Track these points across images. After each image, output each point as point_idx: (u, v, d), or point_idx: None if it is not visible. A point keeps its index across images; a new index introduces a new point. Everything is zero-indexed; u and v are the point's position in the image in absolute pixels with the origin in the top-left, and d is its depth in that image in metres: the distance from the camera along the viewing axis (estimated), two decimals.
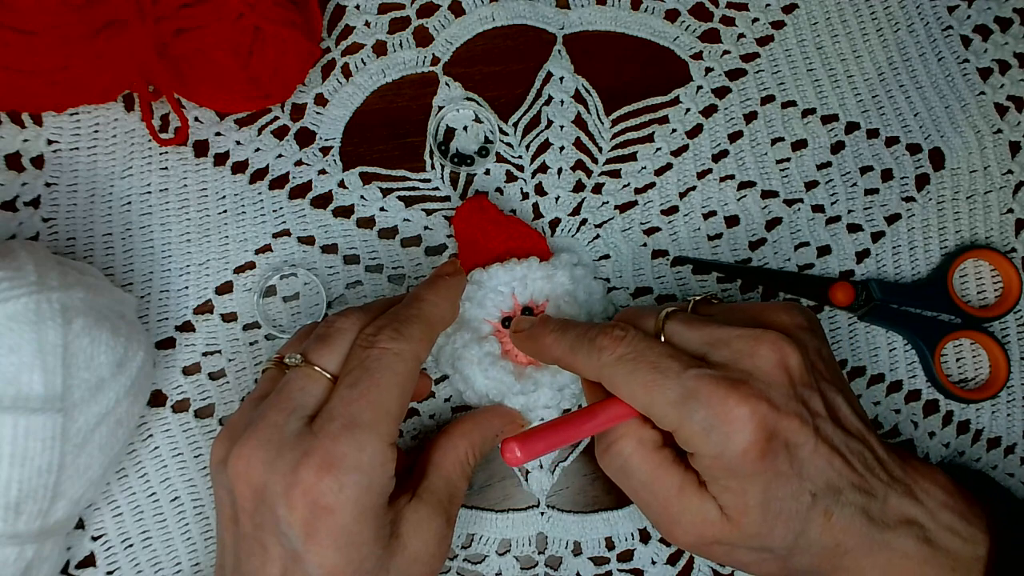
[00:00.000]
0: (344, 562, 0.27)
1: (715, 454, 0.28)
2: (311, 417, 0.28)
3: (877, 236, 0.40)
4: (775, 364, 0.29)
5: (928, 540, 0.30)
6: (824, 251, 0.40)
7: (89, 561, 0.35)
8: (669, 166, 0.40)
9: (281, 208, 0.38)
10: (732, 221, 0.40)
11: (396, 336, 0.29)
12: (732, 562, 0.31)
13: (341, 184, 0.38)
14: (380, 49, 0.39)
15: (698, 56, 0.40)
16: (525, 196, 0.39)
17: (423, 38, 0.39)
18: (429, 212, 0.38)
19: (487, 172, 0.39)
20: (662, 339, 0.31)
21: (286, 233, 0.38)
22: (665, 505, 0.30)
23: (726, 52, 0.41)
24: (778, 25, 0.41)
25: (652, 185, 0.40)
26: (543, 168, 0.39)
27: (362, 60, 0.39)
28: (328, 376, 0.29)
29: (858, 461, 0.29)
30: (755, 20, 0.41)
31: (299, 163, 0.38)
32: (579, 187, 0.39)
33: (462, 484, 0.32)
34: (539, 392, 0.35)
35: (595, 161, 0.39)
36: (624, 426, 0.30)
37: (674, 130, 0.40)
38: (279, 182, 0.38)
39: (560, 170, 0.39)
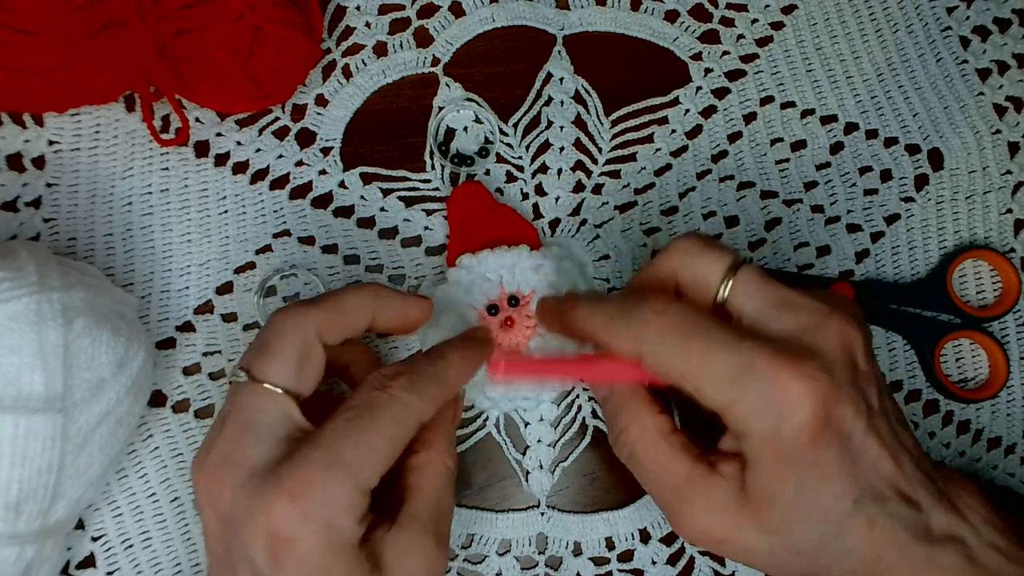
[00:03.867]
0: None
1: (767, 434, 0.26)
2: (285, 439, 0.27)
3: (876, 236, 0.40)
4: (842, 344, 0.27)
5: (971, 558, 0.28)
6: (823, 251, 0.40)
7: (89, 561, 0.35)
8: (669, 167, 0.40)
9: (282, 208, 0.38)
10: (732, 221, 0.40)
11: (411, 388, 0.28)
12: (746, 557, 0.29)
13: (341, 184, 0.38)
14: (380, 50, 0.39)
15: (697, 57, 0.41)
16: (525, 196, 0.39)
17: (423, 39, 0.40)
18: (429, 212, 0.38)
19: (487, 172, 0.39)
20: (724, 290, 0.28)
21: (286, 233, 0.38)
22: (673, 493, 0.28)
23: (725, 53, 0.41)
24: (777, 26, 0.41)
25: (652, 186, 0.40)
26: (543, 169, 0.39)
27: (363, 61, 0.39)
28: (280, 392, 0.28)
29: (908, 468, 0.28)
30: (754, 21, 0.41)
31: (300, 163, 0.38)
32: (579, 188, 0.39)
33: (448, 496, 0.30)
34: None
35: (595, 162, 0.40)
36: (632, 412, 0.29)
37: (674, 131, 0.40)
38: (280, 182, 0.38)
39: (560, 171, 0.39)
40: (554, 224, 0.39)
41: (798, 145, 0.40)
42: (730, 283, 0.28)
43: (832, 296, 0.29)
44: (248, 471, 0.26)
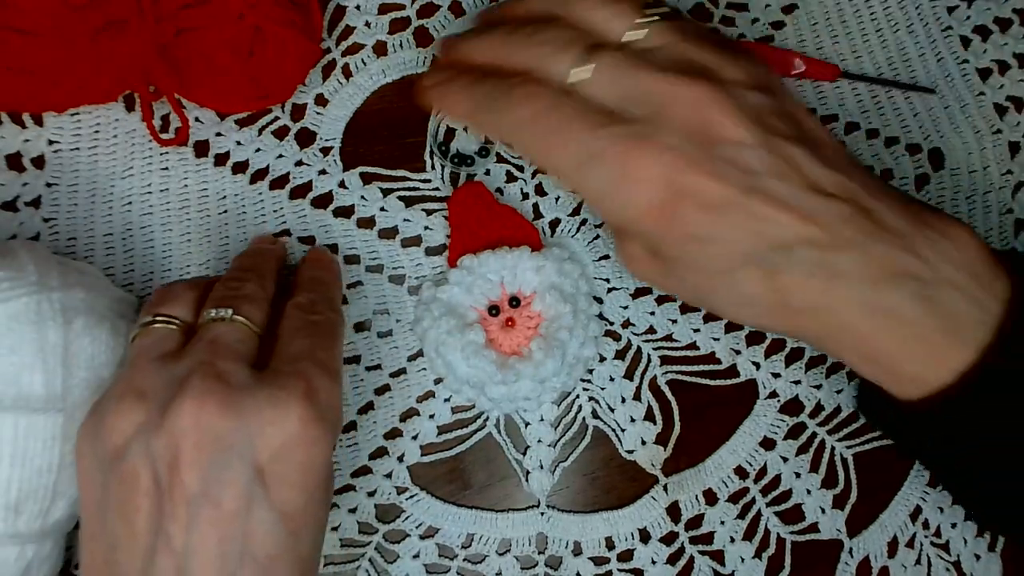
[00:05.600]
0: (304, 501, 0.26)
1: (618, 218, 0.28)
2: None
3: None
4: (691, 116, 0.26)
5: (925, 297, 0.27)
6: None
7: None
8: None
9: (281, 208, 0.38)
10: None
11: (333, 308, 0.32)
12: (671, 293, 0.34)
13: (341, 184, 0.38)
14: (380, 49, 0.39)
15: None
16: (525, 196, 0.39)
17: (423, 38, 0.39)
18: (429, 212, 0.38)
19: (487, 172, 0.39)
20: (579, 75, 0.28)
21: (287, 233, 0.38)
22: (615, 235, 0.31)
23: None
24: (778, 25, 0.41)
25: None
26: (543, 168, 0.39)
27: (362, 60, 0.39)
28: (257, 332, 0.29)
29: (826, 215, 0.26)
30: (755, 20, 0.41)
31: (299, 163, 0.38)
32: None
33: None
34: (520, 383, 0.35)
35: None
36: None
37: None
38: (279, 182, 0.38)
39: None
40: (554, 224, 0.39)
41: None
42: (590, 70, 0.28)
43: (715, 63, 0.28)
44: (240, 391, 0.27)
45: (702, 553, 0.37)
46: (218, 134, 0.38)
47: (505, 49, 0.30)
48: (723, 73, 0.28)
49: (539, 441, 0.37)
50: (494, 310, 0.36)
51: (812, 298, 0.27)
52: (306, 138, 0.38)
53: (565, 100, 0.28)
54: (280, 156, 0.38)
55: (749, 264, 0.27)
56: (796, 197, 0.27)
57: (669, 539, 0.37)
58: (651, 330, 0.39)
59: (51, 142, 0.37)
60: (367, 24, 0.39)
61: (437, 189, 0.39)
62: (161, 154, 0.38)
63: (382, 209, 0.38)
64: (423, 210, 0.38)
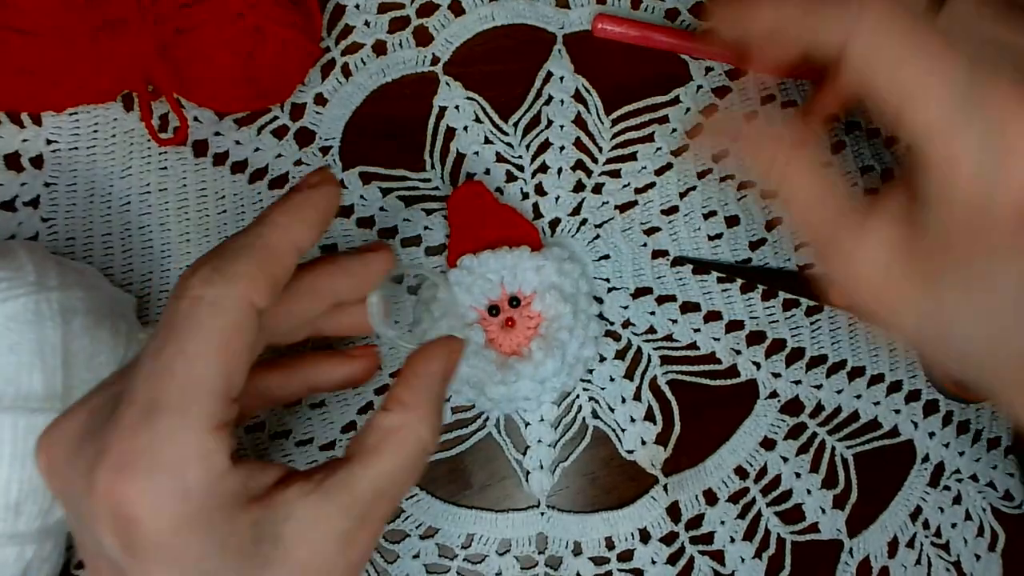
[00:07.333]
0: None
1: (977, 196, 0.20)
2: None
3: None
4: None
5: None
6: None
7: None
8: (669, 166, 0.40)
9: None
10: (732, 221, 0.40)
11: (211, 278, 0.22)
12: (897, 321, 0.24)
13: (341, 184, 0.38)
14: (380, 49, 0.39)
15: None
16: (525, 196, 0.39)
17: (423, 37, 0.39)
18: (429, 212, 0.38)
19: (487, 172, 0.39)
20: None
21: None
22: (827, 226, 0.24)
23: None
24: None
25: (652, 185, 0.40)
26: (543, 168, 0.39)
27: (362, 60, 0.39)
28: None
29: None
30: None
31: (298, 163, 0.38)
32: (579, 187, 0.39)
33: (407, 477, 0.24)
34: (520, 383, 0.35)
35: (595, 161, 0.39)
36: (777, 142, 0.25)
37: (674, 130, 0.40)
38: (278, 182, 0.38)
39: (560, 170, 0.39)
40: (554, 223, 0.39)
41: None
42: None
43: None
44: (82, 439, 0.22)
45: (702, 553, 0.37)
46: (217, 133, 0.38)
47: None
48: None
49: (539, 441, 0.37)
50: (494, 310, 0.36)
51: None
52: (305, 137, 0.38)
53: (927, 17, 0.24)
54: (279, 156, 0.38)
55: None
56: None
57: (669, 539, 0.37)
58: (651, 330, 0.38)
59: (49, 142, 0.37)
60: (366, 23, 0.39)
61: (437, 188, 0.38)
62: (160, 153, 0.37)
63: (381, 209, 0.38)
64: (423, 210, 0.38)
